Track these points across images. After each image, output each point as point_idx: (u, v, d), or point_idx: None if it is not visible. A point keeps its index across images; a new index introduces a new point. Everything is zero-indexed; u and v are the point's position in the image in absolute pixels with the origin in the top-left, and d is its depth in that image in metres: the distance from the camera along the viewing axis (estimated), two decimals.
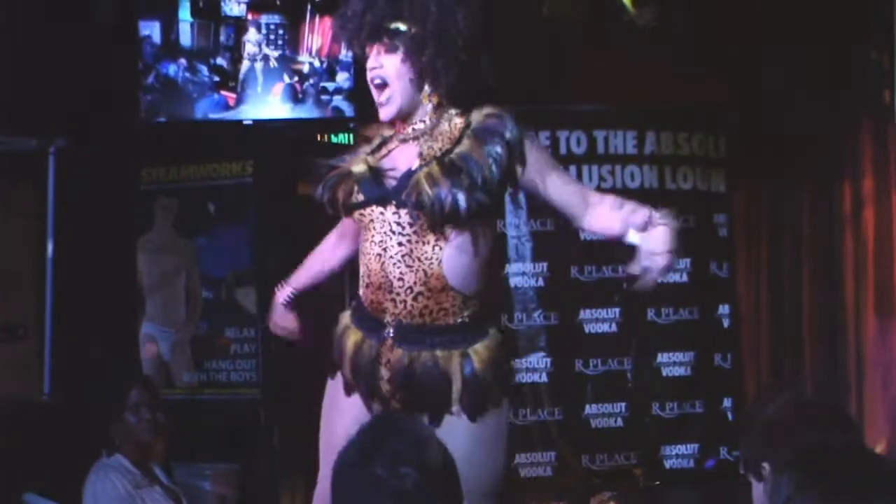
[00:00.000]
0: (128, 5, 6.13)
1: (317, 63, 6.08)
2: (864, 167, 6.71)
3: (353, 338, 3.40)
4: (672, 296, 6.88)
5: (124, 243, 6.17)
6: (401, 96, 3.30)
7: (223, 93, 6.08)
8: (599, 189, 6.64)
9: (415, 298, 3.24)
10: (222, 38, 6.09)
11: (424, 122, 3.31)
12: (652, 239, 3.14)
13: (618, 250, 6.75)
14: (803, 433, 2.61)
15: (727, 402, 6.89)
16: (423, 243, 3.24)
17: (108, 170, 5.89)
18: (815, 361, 7.05)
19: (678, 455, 6.90)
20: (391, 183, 3.27)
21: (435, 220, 3.19)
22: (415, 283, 3.23)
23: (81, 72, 5.72)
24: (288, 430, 6.05)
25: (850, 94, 6.75)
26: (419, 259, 3.24)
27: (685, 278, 6.92)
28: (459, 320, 3.27)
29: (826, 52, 6.70)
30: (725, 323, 7.07)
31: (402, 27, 3.25)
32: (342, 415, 3.37)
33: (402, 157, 3.31)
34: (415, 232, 3.24)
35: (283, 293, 3.79)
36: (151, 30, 6.03)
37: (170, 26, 6.03)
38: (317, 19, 6.06)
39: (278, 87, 6.07)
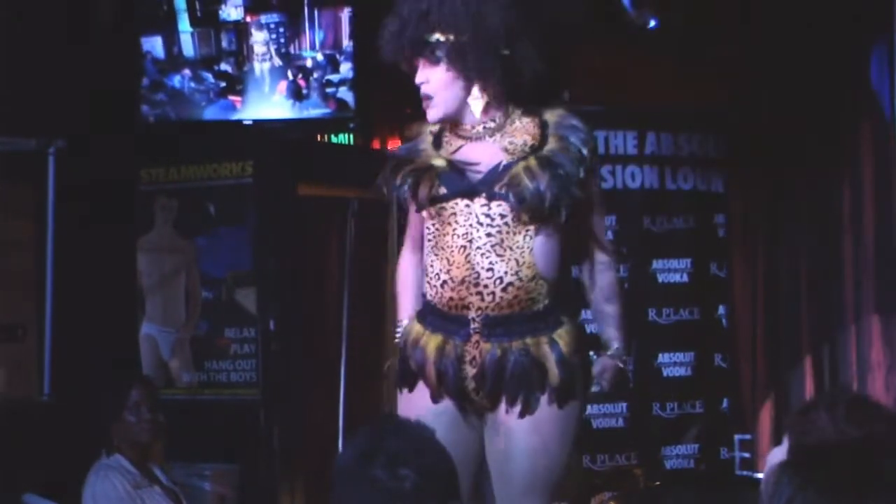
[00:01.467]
0: (128, 4, 6.13)
1: (319, 57, 6.09)
2: (864, 168, 6.70)
3: (433, 343, 3.40)
4: (672, 296, 6.89)
5: (124, 244, 6.17)
6: (445, 103, 3.38)
7: (230, 97, 6.09)
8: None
9: (504, 289, 3.29)
10: (224, 43, 6.10)
11: (495, 120, 3.38)
12: (600, 366, 3.45)
13: (619, 252, 6.75)
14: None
15: (726, 403, 6.90)
16: (515, 233, 3.30)
17: (107, 170, 5.88)
18: (815, 363, 7.04)
19: (678, 455, 6.90)
20: (476, 177, 3.33)
21: (534, 212, 3.27)
22: (506, 272, 3.28)
23: (81, 72, 5.72)
24: (288, 430, 6.04)
25: (849, 94, 6.75)
26: (511, 248, 3.30)
27: (685, 279, 6.92)
28: (542, 307, 3.34)
29: (826, 52, 6.69)
30: (725, 323, 7.07)
31: (441, 37, 3.32)
32: (426, 415, 3.30)
33: (484, 153, 3.37)
34: (506, 223, 3.30)
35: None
36: (153, 45, 6.05)
37: (171, 39, 6.05)
38: (315, 13, 6.07)
39: (283, 86, 6.08)
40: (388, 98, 7.02)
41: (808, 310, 7.04)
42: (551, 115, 3.38)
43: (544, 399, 3.31)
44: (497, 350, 3.31)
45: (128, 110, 6.03)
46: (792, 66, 6.85)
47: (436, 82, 3.37)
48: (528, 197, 3.26)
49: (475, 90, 3.36)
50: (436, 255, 3.37)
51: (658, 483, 6.73)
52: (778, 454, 2.67)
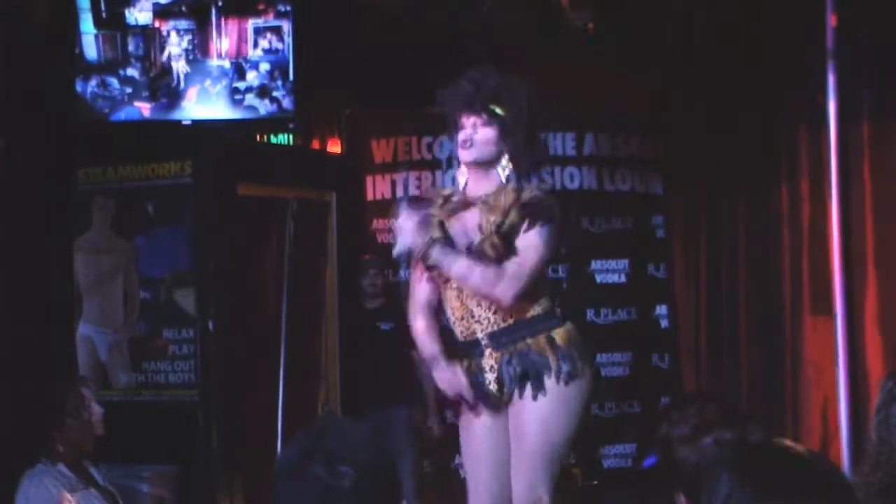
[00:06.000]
0: (65, 4, 6.06)
1: (226, 64, 6.06)
2: (800, 168, 6.78)
3: (464, 366, 4.23)
4: (611, 297, 6.93)
5: (61, 244, 6.12)
6: (480, 153, 4.17)
7: (136, 104, 6.03)
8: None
9: (494, 312, 4.16)
10: (131, 47, 6.02)
11: (489, 193, 4.17)
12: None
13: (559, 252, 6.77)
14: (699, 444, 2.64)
15: (664, 402, 6.95)
16: None
17: (44, 170, 5.83)
18: (751, 361, 7.12)
19: (616, 455, 6.95)
20: (459, 246, 4.19)
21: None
22: (490, 303, 4.14)
23: (17, 71, 5.67)
24: (226, 431, 6.03)
25: (784, 96, 6.82)
26: None
27: (623, 279, 6.97)
28: (536, 313, 4.18)
29: (761, 55, 6.76)
30: (663, 323, 7.12)
31: (501, 112, 4.14)
32: (476, 429, 4.26)
33: (468, 225, 4.19)
34: None
35: (440, 363, 4.28)
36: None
37: (72, 40, 5.96)
38: (223, 22, 6.03)
39: (192, 92, 6.04)
40: (327, 100, 7.03)
41: (745, 310, 7.11)
42: (527, 194, 4.16)
43: (549, 382, 4.10)
44: (507, 355, 4.16)
45: (65, 110, 5.98)
46: (728, 67, 6.91)
47: (483, 137, 4.16)
48: (489, 258, 4.09)
49: (504, 161, 4.17)
50: (445, 305, 4.28)
51: (596, 482, 6.77)
52: None
